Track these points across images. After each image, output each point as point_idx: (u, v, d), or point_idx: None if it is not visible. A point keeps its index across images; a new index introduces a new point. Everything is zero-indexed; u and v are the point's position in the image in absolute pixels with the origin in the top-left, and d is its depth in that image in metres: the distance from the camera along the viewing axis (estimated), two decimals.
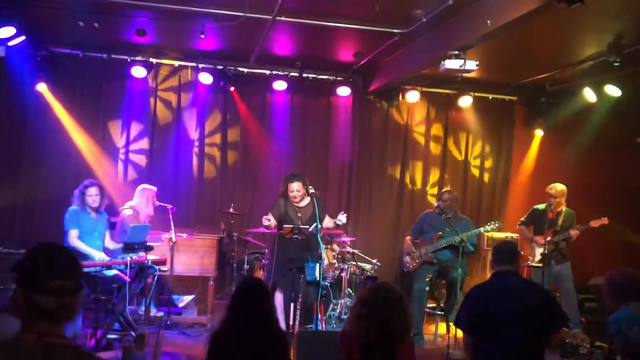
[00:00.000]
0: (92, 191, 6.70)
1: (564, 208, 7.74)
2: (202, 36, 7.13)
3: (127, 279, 6.35)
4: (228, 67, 8.82)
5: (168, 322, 7.15)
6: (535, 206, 8.01)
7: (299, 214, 6.86)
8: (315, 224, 6.55)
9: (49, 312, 1.99)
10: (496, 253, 4.47)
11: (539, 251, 7.61)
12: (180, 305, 7.86)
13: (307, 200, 6.89)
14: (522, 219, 8.13)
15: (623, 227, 8.73)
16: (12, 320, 1.98)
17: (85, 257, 6.49)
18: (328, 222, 7.12)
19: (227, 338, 3.37)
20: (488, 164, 9.96)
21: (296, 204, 6.89)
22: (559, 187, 7.71)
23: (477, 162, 9.96)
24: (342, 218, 6.89)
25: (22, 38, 7.58)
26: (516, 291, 4.24)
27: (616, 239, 8.87)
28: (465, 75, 7.08)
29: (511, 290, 4.24)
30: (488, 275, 8.83)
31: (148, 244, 6.63)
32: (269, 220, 6.75)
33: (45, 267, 2.03)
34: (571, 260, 7.74)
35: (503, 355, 4.05)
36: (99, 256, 6.55)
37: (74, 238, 6.57)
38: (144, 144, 8.98)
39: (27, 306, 2.01)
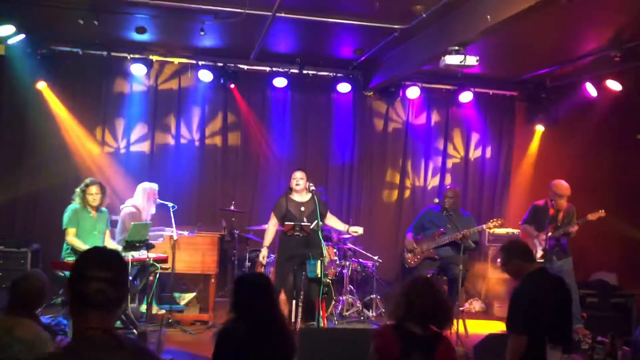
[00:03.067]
0: (93, 190, 6.69)
1: (565, 203, 7.73)
2: (202, 33, 7.11)
3: (129, 277, 6.35)
4: (228, 64, 8.81)
5: (170, 320, 7.14)
6: (535, 203, 8.01)
7: (301, 209, 6.86)
8: (316, 221, 6.55)
9: (86, 297, 2.10)
10: (523, 252, 4.44)
11: (540, 247, 7.61)
12: (182, 303, 7.86)
13: (308, 196, 6.89)
14: (524, 217, 8.11)
15: (624, 223, 8.73)
16: None
17: None
18: (333, 220, 7.10)
19: (236, 337, 3.37)
20: (489, 159, 9.94)
21: (298, 200, 6.88)
22: (566, 185, 7.67)
23: (478, 157, 9.95)
24: (357, 229, 6.96)
25: (22, 36, 7.59)
26: (557, 286, 4.36)
27: (617, 234, 8.88)
28: (465, 71, 7.06)
29: (555, 285, 4.36)
30: (489, 271, 8.87)
31: (149, 241, 6.63)
32: (264, 256, 6.94)
33: (88, 261, 2.18)
34: (572, 255, 7.74)
35: (541, 351, 4.06)
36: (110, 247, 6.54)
37: (71, 236, 6.56)
38: (144, 141, 8.98)
39: (72, 297, 2.14)
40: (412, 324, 3.42)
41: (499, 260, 8.74)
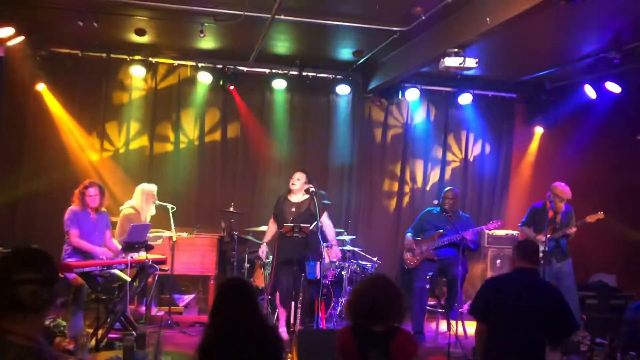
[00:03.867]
0: (92, 191, 6.69)
1: (563, 205, 7.73)
2: (201, 35, 7.12)
3: (128, 278, 6.35)
4: (227, 66, 8.82)
5: (169, 321, 7.14)
6: (534, 205, 8.01)
7: (292, 209, 6.86)
8: (315, 223, 6.55)
9: (20, 302, 2.07)
10: (521, 249, 4.64)
11: (539, 249, 7.60)
12: (181, 304, 7.87)
13: (304, 197, 6.88)
14: (522, 219, 8.12)
15: (623, 224, 8.74)
16: None
17: (89, 256, 6.49)
18: (328, 227, 7.06)
19: (216, 346, 3.24)
20: (488, 161, 9.95)
21: (293, 200, 6.89)
22: (567, 190, 7.66)
23: (477, 159, 9.96)
24: (331, 254, 7.08)
25: (21, 38, 7.59)
26: (530, 289, 4.42)
27: (616, 235, 8.88)
28: (465, 73, 7.07)
29: (526, 287, 4.42)
30: (489, 273, 8.87)
31: (148, 243, 6.63)
32: (264, 250, 7.07)
33: (13, 264, 2.14)
34: (572, 257, 7.74)
35: (510, 348, 4.22)
36: (102, 251, 6.54)
37: (75, 237, 6.56)
38: (143, 143, 8.97)
39: (4, 302, 2.10)
40: (367, 322, 3.46)
41: (498, 261, 8.84)
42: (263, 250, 7.07)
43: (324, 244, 6.80)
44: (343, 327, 3.60)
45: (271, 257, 7.21)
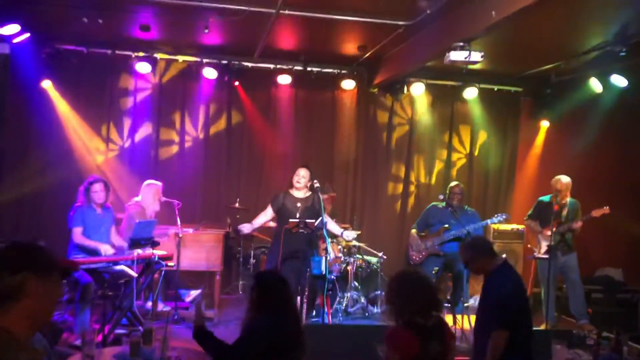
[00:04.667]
0: (97, 187, 6.69)
1: (568, 199, 7.72)
2: (206, 31, 7.12)
3: (134, 274, 6.37)
4: (232, 62, 8.82)
5: (175, 317, 7.16)
6: (540, 198, 7.99)
7: (297, 204, 6.84)
8: (320, 218, 6.54)
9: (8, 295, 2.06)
10: (486, 248, 4.59)
11: (545, 243, 7.60)
12: (187, 300, 7.88)
13: (308, 193, 6.87)
14: (528, 212, 8.11)
15: (629, 218, 8.71)
16: None
17: (93, 252, 6.51)
18: (330, 224, 7.03)
19: (274, 336, 3.49)
20: (493, 155, 9.93)
21: (296, 195, 6.87)
22: (565, 180, 7.67)
23: (483, 153, 9.94)
24: (348, 235, 7.00)
25: (27, 35, 7.61)
26: (519, 278, 4.56)
27: (622, 229, 8.85)
28: (470, 67, 7.05)
29: (518, 277, 4.55)
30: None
31: (154, 239, 6.64)
32: (245, 227, 6.86)
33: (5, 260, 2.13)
34: (577, 251, 7.72)
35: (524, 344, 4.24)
36: (104, 248, 6.54)
37: (78, 235, 6.57)
38: (149, 139, 9.00)
39: None
40: (419, 317, 3.49)
41: (504, 255, 8.80)
42: (246, 227, 6.85)
43: (330, 240, 6.79)
44: (393, 329, 3.57)
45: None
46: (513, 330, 4.18)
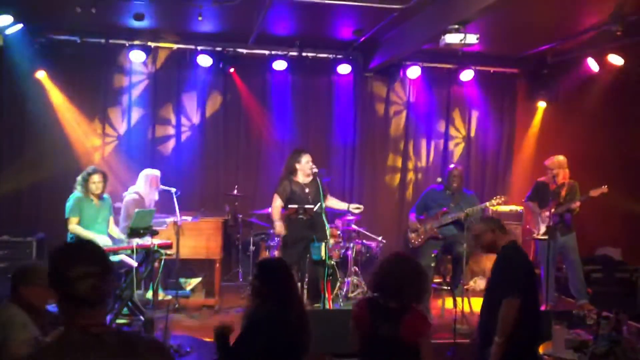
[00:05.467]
0: (95, 178, 6.68)
1: (567, 180, 7.72)
2: (200, 18, 7.08)
3: (134, 264, 6.37)
4: (227, 49, 8.77)
5: (176, 306, 7.18)
6: (539, 179, 8.00)
7: (306, 190, 6.84)
8: (319, 204, 6.55)
9: (83, 299, 2.06)
10: (499, 223, 4.67)
11: (543, 224, 7.61)
12: (188, 288, 7.91)
13: (310, 177, 6.87)
14: (527, 194, 8.12)
15: (627, 197, 8.72)
16: None
17: None
18: (333, 201, 7.13)
19: (273, 325, 3.49)
20: (491, 137, 9.92)
21: (302, 181, 6.86)
22: (555, 158, 7.69)
23: (480, 135, 9.93)
24: (358, 207, 7.07)
25: (20, 26, 7.56)
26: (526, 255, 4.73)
27: (621, 209, 8.87)
28: (466, 49, 7.02)
29: (525, 254, 4.70)
30: None
31: (153, 228, 6.64)
32: (280, 225, 6.89)
33: (68, 260, 2.11)
34: (576, 231, 7.74)
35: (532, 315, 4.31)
36: (102, 241, 6.54)
37: (74, 225, 6.57)
38: (145, 128, 8.97)
39: (62, 300, 2.10)
40: (386, 297, 3.62)
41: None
42: (280, 226, 6.87)
43: (330, 225, 6.79)
44: (359, 300, 3.87)
45: (277, 239, 7.21)
46: (522, 302, 4.22)
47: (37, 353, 2.24)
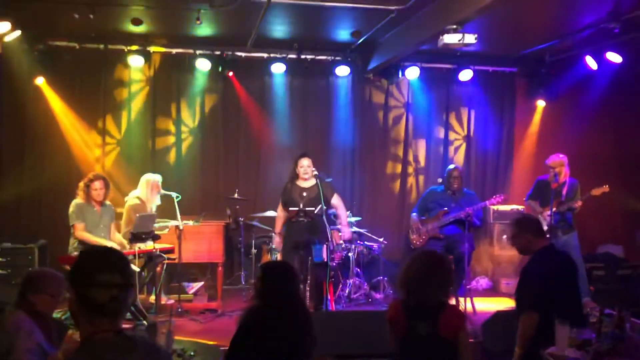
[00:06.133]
0: (97, 185, 6.70)
1: (568, 178, 7.72)
2: (198, 22, 7.09)
3: (137, 268, 6.38)
4: (225, 52, 8.78)
5: (179, 310, 7.19)
6: (539, 178, 8.01)
7: (303, 194, 6.83)
8: (320, 206, 6.54)
9: (101, 306, 2.04)
10: (535, 227, 4.55)
11: (545, 222, 7.61)
12: (190, 292, 7.91)
13: (312, 181, 6.87)
14: (528, 193, 8.12)
15: (628, 195, 8.73)
16: None
17: None
18: (340, 210, 7.09)
19: (263, 321, 3.47)
20: (491, 136, 9.91)
21: (301, 185, 6.86)
22: (557, 159, 7.70)
23: (480, 135, 9.92)
24: (346, 233, 7.10)
25: (19, 33, 7.56)
26: (565, 262, 4.52)
27: (621, 206, 8.87)
28: (464, 49, 7.02)
29: (563, 261, 4.52)
30: (495, 248, 8.89)
31: (155, 233, 6.65)
32: (277, 241, 7.01)
33: (95, 263, 2.10)
34: (577, 230, 7.74)
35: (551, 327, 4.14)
36: (109, 245, 6.56)
37: (81, 231, 6.58)
38: (145, 133, 8.97)
39: (80, 302, 2.07)
40: (421, 297, 3.60)
41: (504, 236, 8.82)
42: (277, 241, 7.01)
43: (331, 227, 6.78)
44: (393, 300, 3.83)
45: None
46: (544, 315, 4.10)
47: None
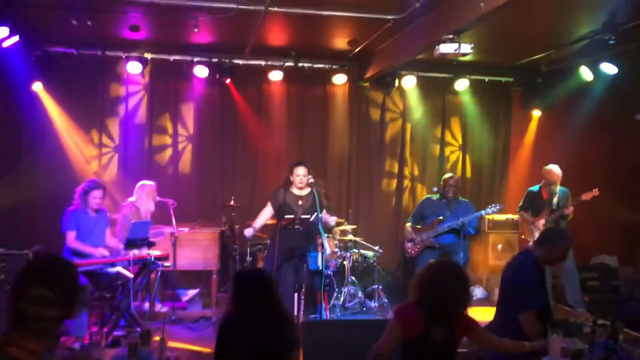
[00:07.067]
0: (96, 194, 6.68)
1: (558, 187, 7.78)
2: (196, 30, 7.11)
3: (131, 275, 6.37)
4: (223, 60, 8.80)
5: (173, 317, 7.17)
6: (530, 188, 8.05)
7: (299, 202, 6.81)
8: (315, 214, 6.54)
9: (22, 318, 1.97)
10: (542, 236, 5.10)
11: (538, 232, 7.63)
12: (185, 299, 7.89)
13: (308, 189, 6.86)
14: (519, 204, 8.15)
15: (622, 205, 8.75)
16: None
17: (87, 256, 6.50)
18: (327, 215, 7.06)
19: (237, 333, 3.39)
20: (486, 146, 9.94)
21: (297, 193, 6.85)
22: (556, 170, 7.72)
23: (476, 144, 9.95)
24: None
25: (16, 38, 7.55)
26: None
27: (617, 217, 8.89)
28: (460, 58, 7.05)
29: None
30: (490, 257, 8.91)
31: (150, 239, 6.64)
32: (250, 232, 6.91)
33: (32, 274, 2.03)
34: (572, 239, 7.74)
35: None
36: (99, 252, 6.55)
37: (72, 239, 6.57)
38: (141, 139, 8.97)
39: (10, 311, 2.01)
40: (435, 304, 3.63)
41: (499, 246, 8.84)
42: (250, 232, 6.89)
43: (327, 235, 6.78)
44: (405, 304, 3.79)
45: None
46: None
47: None
